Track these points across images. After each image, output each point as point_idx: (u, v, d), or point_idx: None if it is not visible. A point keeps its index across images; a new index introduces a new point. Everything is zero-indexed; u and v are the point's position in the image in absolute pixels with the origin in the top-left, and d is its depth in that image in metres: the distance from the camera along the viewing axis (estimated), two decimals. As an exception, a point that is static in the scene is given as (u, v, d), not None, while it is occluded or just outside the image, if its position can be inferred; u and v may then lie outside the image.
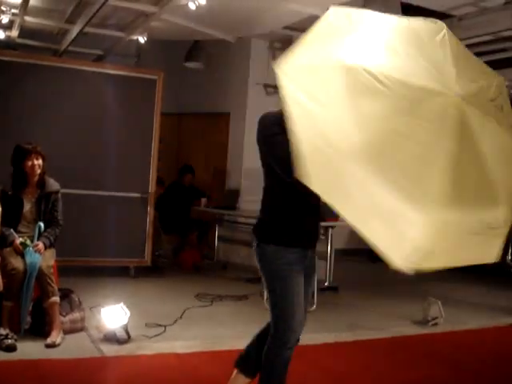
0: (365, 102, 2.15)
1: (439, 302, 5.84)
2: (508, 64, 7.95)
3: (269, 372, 2.87)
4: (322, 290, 6.92)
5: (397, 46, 2.32)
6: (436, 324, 5.76)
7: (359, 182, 2.10)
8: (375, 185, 2.10)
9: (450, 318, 5.95)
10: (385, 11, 2.33)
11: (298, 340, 2.92)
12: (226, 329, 5.24)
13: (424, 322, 5.79)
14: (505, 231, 2.22)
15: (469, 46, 4.08)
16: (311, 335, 5.12)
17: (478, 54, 6.31)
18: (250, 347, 3.07)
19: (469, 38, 6.84)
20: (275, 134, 2.64)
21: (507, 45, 7.10)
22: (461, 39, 2.63)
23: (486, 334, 5.62)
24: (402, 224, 2.15)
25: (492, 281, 8.65)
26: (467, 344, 5.20)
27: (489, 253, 2.19)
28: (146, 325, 5.08)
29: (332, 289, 7.24)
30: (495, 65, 7.90)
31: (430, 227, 2.11)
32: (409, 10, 7.09)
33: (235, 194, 9.03)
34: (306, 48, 2.25)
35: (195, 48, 9.36)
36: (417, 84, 2.20)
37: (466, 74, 2.29)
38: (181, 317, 5.53)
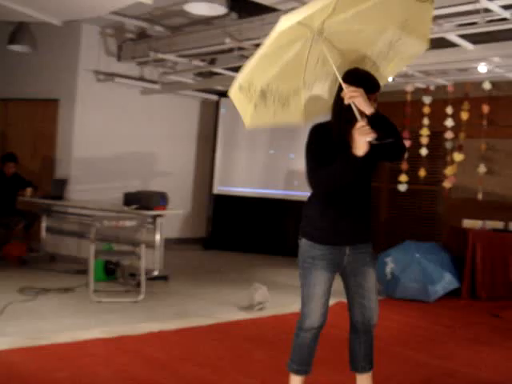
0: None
1: (265, 287, 6.07)
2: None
3: (291, 351, 3.33)
4: (150, 279, 6.92)
5: None
6: (262, 309, 5.96)
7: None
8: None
9: (277, 302, 6.21)
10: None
11: (317, 327, 3.20)
12: (49, 323, 5.07)
13: (250, 308, 5.98)
14: None
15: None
16: (136, 325, 5.14)
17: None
18: None
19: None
20: (308, 149, 3.06)
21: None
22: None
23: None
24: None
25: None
26: (291, 326, 5.42)
27: None
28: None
29: (161, 278, 7.26)
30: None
31: None
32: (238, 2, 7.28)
33: (63, 183, 8.75)
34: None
35: (20, 30, 8.83)
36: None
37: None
38: (1, 312, 5.27)
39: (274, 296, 6.39)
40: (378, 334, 5.26)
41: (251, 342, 4.86)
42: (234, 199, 10.72)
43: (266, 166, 10.68)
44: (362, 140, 2.80)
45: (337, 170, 2.91)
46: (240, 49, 7.98)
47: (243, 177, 10.76)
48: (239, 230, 10.67)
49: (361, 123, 2.80)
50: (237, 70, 9.07)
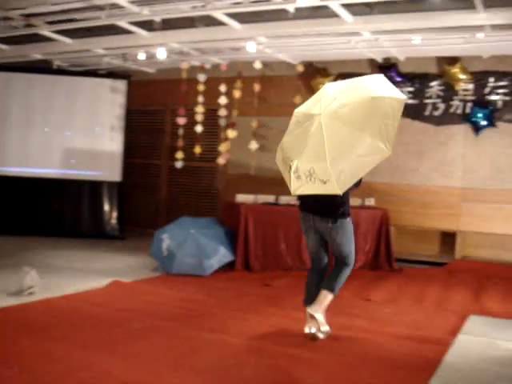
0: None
1: (34, 271, 5.73)
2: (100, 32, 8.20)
3: (341, 281, 4.71)
4: None
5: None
6: (32, 293, 5.64)
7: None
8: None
9: (49, 286, 5.94)
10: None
11: (316, 268, 4.85)
12: None
13: (20, 293, 5.62)
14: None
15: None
16: None
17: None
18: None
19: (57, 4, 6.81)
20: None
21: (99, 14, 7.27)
22: None
23: (81, 297, 5.71)
24: None
25: (93, 244, 8.95)
26: (61, 310, 5.20)
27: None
28: None
29: None
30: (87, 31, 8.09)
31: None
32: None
33: None
34: None
35: None
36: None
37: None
38: None
39: (51, 279, 6.16)
40: (150, 309, 5.32)
41: (17, 330, 4.55)
42: (6, 179, 9.98)
43: (41, 144, 10.10)
44: None
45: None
46: (6, 19, 7.46)
47: (16, 156, 10.07)
48: (12, 212, 9.98)
49: None
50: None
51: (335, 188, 3.94)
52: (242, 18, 7.23)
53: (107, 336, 4.45)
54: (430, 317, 5.59)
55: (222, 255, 7.18)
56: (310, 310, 4.55)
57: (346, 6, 6.55)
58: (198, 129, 9.64)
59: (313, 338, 4.54)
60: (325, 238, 4.74)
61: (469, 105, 8.73)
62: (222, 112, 9.60)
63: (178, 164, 9.86)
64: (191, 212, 9.67)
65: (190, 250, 6.97)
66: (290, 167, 4.09)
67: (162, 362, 3.94)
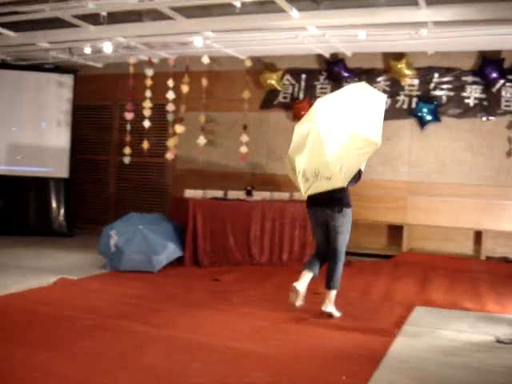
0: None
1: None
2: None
3: (338, 275, 5.42)
4: None
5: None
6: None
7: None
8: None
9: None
10: None
11: (319, 256, 5.47)
12: None
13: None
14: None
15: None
16: None
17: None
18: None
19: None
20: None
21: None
22: None
23: (27, 296, 5.60)
24: None
25: (41, 242, 8.79)
26: (4, 308, 5.09)
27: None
28: None
29: None
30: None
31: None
32: None
33: None
34: None
35: None
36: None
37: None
38: None
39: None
40: (97, 307, 5.25)
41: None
42: None
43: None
44: None
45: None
46: None
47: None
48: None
49: None
50: None
51: (339, 182, 4.66)
52: (189, 12, 7.19)
53: (52, 334, 4.38)
54: (376, 309, 5.69)
55: (170, 251, 7.14)
56: (325, 307, 5.25)
57: (293, 1, 6.59)
58: (146, 124, 9.56)
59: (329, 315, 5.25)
60: (328, 231, 5.31)
61: (414, 100, 8.90)
62: (170, 107, 9.55)
63: (126, 159, 9.76)
64: (141, 208, 9.60)
65: (138, 246, 6.91)
66: (299, 173, 4.76)
67: (109, 359, 3.90)
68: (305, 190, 4.79)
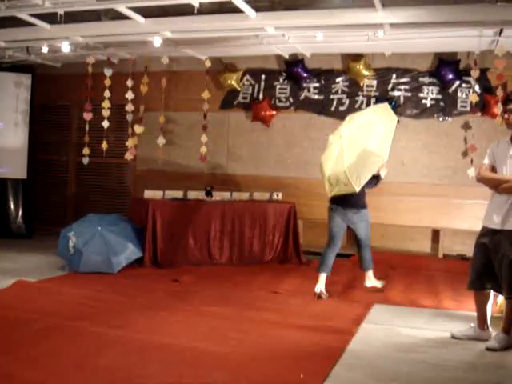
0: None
1: None
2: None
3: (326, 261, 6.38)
4: None
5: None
6: None
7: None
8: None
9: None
10: None
11: (333, 246, 6.34)
12: None
13: None
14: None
15: None
16: None
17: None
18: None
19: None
20: None
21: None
22: None
23: None
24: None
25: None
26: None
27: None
28: None
29: None
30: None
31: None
32: None
33: None
34: None
35: None
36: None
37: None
38: None
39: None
40: (55, 309, 5.19)
41: None
42: None
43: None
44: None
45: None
46: None
47: None
48: None
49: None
50: None
51: (353, 188, 5.62)
52: (147, 12, 7.15)
53: (8, 337, 4.33)
54: (335, 307, 5.76)
55: (130, 252, 7.10)
56: (369, 284, 6.48)
57: (250, 1, 6.60)
58: (105, 124, 9.46)
59: (319, 296, 6.10)
60: (347, 225, 6.36)
61: (373, 100, 8.99)
62: (130, 107, 9.48)
63: (85, 160, 9.65)
64: (101, 209, 9.50)
65: (97, 247, 6.85)
66: (325, 177, 5.84)
67: (66, 361, 3.88)
68: (329, 191, 5.89)
